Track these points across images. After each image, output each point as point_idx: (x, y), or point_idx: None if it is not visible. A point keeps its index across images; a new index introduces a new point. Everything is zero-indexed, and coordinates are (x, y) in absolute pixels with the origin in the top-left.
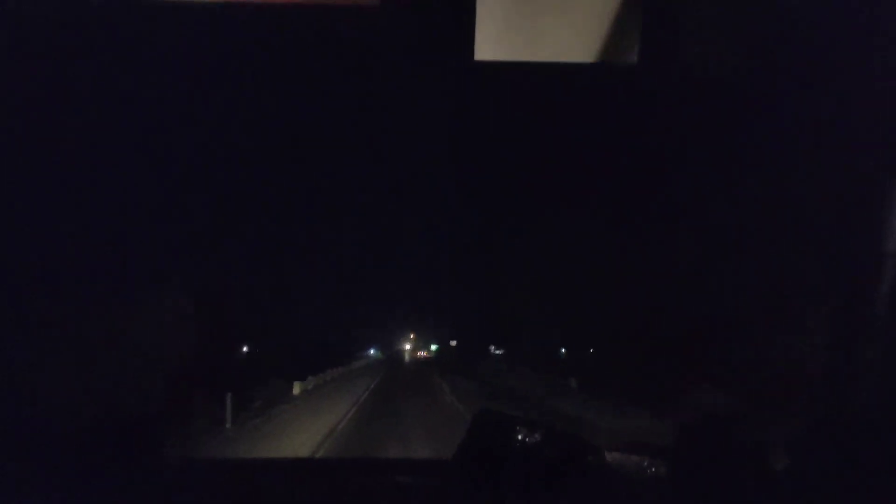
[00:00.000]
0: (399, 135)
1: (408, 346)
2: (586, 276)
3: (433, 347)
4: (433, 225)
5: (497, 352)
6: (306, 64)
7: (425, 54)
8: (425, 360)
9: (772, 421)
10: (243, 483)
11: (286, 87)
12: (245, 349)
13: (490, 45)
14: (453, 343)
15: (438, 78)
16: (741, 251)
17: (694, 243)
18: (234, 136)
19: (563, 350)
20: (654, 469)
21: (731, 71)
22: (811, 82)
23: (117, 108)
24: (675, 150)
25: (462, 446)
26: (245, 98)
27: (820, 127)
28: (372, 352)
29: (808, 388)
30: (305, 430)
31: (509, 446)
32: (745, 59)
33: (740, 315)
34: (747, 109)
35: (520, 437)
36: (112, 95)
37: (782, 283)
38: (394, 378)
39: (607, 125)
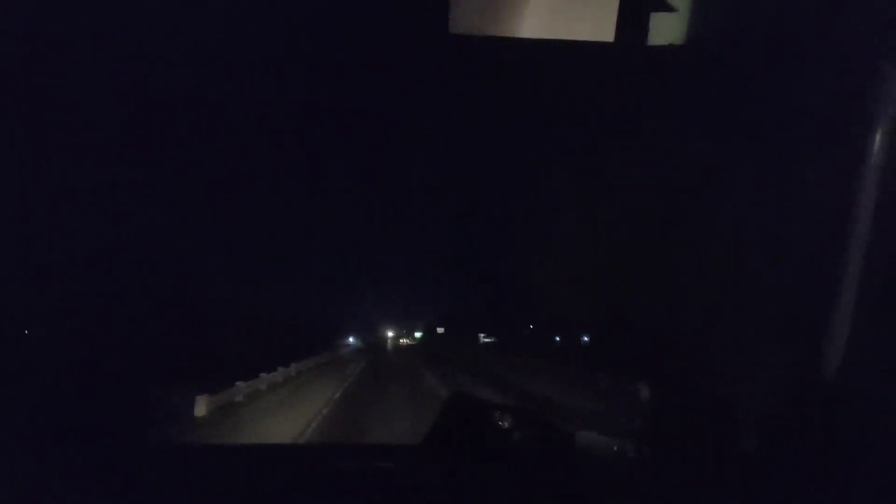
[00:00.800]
0: (374, 112)
1: (390, 334)
2: (582, 262)
3: (417, 335)
4: (419, 207)
5: (487, 339)
6: (281, 42)
7: (400, 27)
8: (409, 349)
9: (741, 400)
10: (221, 468)
11: (261, 68)
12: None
13: (465, 19)
14: (441, 330)
15: (413, 52)
16: (731, 240)
17: (683, 230)
18: (208, 119)
19: (558, 339)
20: (623, 450)
21: (707, 51)
22: (789, 61)
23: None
24: (651, 130)
25: (433, 429)
26: (220, 82)
27: (797, 119)
28: (351, 340)
29: (777, 371)
30: None
31: (480, 429)
32: (721, 38)
33: (727, 306)
34: (723, 90)
35: (490, 419)
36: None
37: (767, 275)
38: (369, 371)
39: (583, 104)
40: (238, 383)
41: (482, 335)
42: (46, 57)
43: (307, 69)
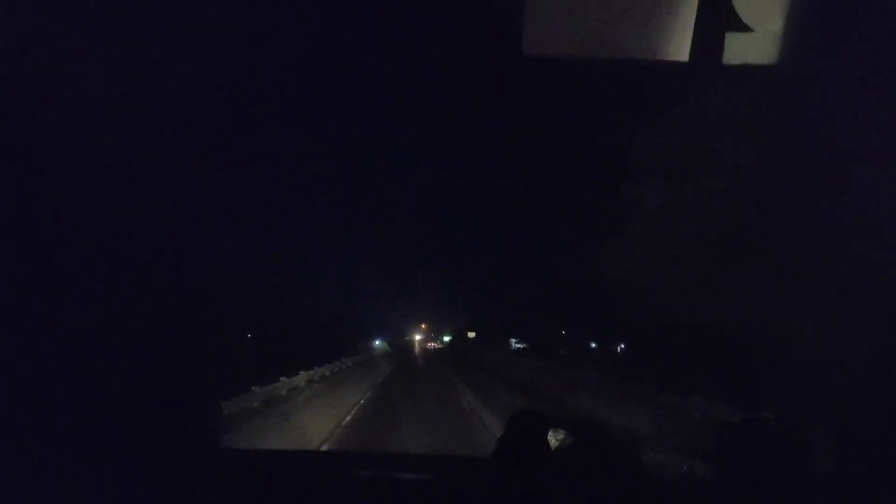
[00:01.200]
0: (442, 126)
1: (418, 337)
2: (619, 269)
3: (446, 339)
4: (454, 211)
5: (518, 345)
6: (328, 59)
7: (474, 49)
8: (437, 353)
9: (815, 424)
10: (251, 473)
11: (307, 77)
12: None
13: (538, 40)
14: (471, 335)
15: (487, 72)
16: (779, 250)
17: (729, 241)
18: (232, 121)
19: (594, 345)
20: (693, 471)
21: (785, 71)
22: (870, 80)
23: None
24: (724, 149)
25: (499, 444)
26: (242, 84)
27: (875, 132)
28: (378, 343)
29: (849, 393)
30: None
31: (546, 446)
32: (799, 58)
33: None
34: (803, 109)
35: (557, 437)
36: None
37: (825, 286)
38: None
39: (657, 123)
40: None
41: (514, 340)
42: (47, 58)
43: (363, 87)
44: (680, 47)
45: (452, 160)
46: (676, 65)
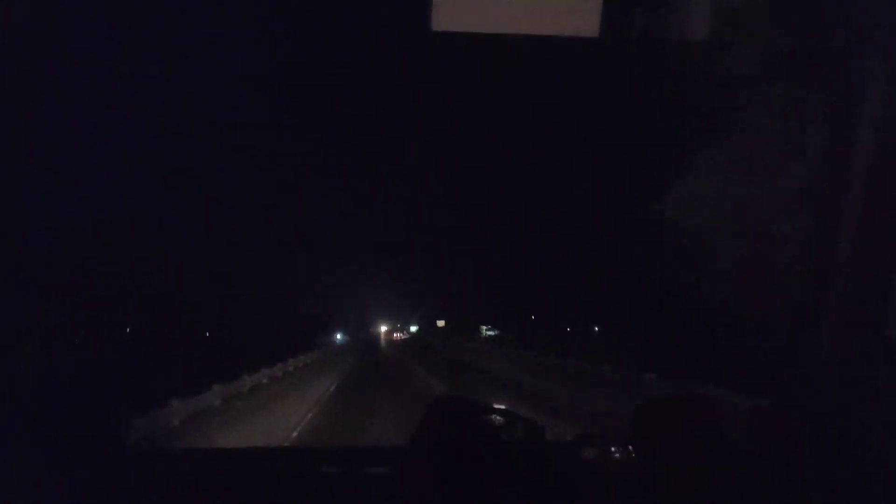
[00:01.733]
0: (358, 105)
1: (384, 329)
2: (590, 252)
3: (413, 329)
4: (417, 194)
5: (490, 332)
6: (267, 43)
7: (383, 24)
8: (404, 344)
9: (731, 400)
10: (205, 471)
11: (251, 65)
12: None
13: (447, 15)
14: (441, 323)
15: (396, 48)
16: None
17: (682, 223)
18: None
19: (568, 329)
20: (615, 454)
21: (692, 46)
22: (776, 57)
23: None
24: (637, 125)
25: (417, 432)
26: (221, 90)
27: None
28: (339, 337)
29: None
30: None
31: (466, 432)
32: (707, 33)
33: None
34: (709, 84)
35: (478, 422)
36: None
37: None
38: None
39: (570, 98)
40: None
41: (485, 328)
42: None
43: (293, 72)
44: (589, 22)
45: (408, 147)
46: (585, 40)
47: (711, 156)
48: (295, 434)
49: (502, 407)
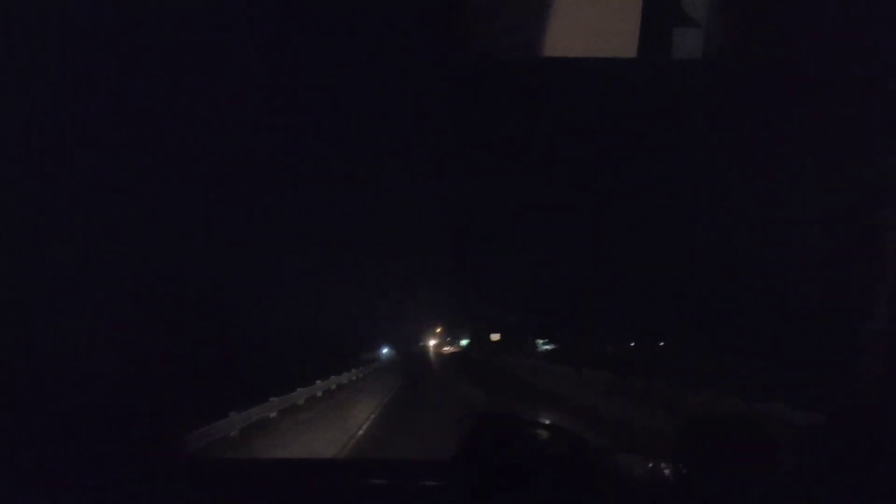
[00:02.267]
0: (397, 131)
1: (433, 342)
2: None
3: (463, 343)
4: (468, 201)
5: (546, 346)
6: (297, 62)
7: (421, 52)
8: (450, 358)
9: (780, 423)
10: (255, 482)
11: (285, 82)
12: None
13: (485, 42)
14: (495, 337)
15: (434, 75)
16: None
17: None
18: (226, 119)
19: (633, 344)
20: (657, 470)
21: (730, 64)
22: (811, 73)
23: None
24: (679, 142)
25: (462, 446)
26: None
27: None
28: (384, 351)
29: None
30: None
31: (511, 447)
32: (744, 51)
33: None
34: (750, 102)
35: (522, 437)
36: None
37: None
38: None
39: (610, 119)
40: None
41: (541, 341)
42: (49, 60)
43: (333, 93)
44: (628, 43)
45: (453, 155)
46: (625, 61)
47: (758, 169)
48: None
49: (547, 422)
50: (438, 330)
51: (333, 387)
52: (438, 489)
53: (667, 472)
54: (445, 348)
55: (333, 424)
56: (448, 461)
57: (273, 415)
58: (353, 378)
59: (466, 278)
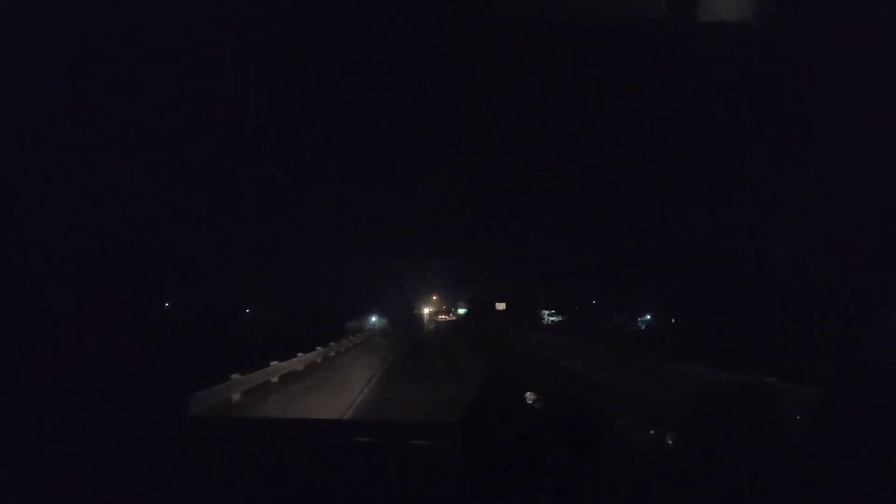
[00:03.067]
0: (415, 91)
1: (427, 310)
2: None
3: (461, 311)
4: (470, 165)
5: (553, 318)
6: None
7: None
8: (448, 328)
9: (784, 392)
10: (256, 441)
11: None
12: None
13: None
14: (501, 306)
15: (455, 34)
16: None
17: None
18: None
19: (648, 317)
20: (659, 437)
21: (759, 22)
22: (839, 38)
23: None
24: (705, 104)
25: (467, 410)
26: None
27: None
28: (374, 320)
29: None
30: None
31: (515, 411)
32: (775, 15)
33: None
34: (777, 67)
35: (527, 402)
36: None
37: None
38: None
39: (640, 79)
40: None
41: (547, 312)
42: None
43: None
44: (656, 3)
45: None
46: (652, 20)
47: (782, 143)
48: None
49: (555, 388)
50: (434, 298)
51: (304, 364)
52: (442, 450)
53: (670, 439)
54: (442, 316)
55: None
56: (447, 424)
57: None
58: (330, 354)
59: (470, 243)
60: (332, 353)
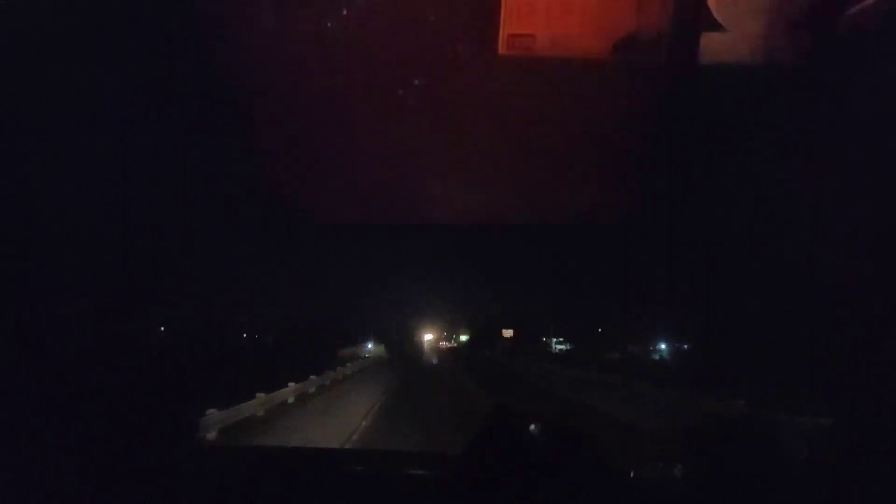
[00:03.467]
0: (423, 121)
1: (428, 337)
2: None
3: (462, 339)
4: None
5: (560, 347)
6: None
7: (451, 46)
8: (451, 357)
9: (787, 423)
10: (253, 470)
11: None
12: None
13: (514, 40)
14: (508, 333)
15: (463, 71)
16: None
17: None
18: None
19: (663, 346)
20: (667, 471)
21: (759, 68)
22: (846, 77)
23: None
24: (705, 147)
25: (473, 440)
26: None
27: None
28: (370, 347)
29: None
30: None
31: (520, 443)
32: (770, 56)
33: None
34: (777, 107)
35: (532, 434)
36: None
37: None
38: None
39: (636, 122)
40: None
41: (554, 340)
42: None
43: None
44: (654, 47)
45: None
46: (651, 63)
47: (784, 176)
48: None
49: (558, 421)
50: (434, 326)
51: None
52: (445, 481)
53: (676, 472)
54: (442, 343)
55: None
56: (450, 455)
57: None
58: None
59: (473, 269)
60: (313, 389)
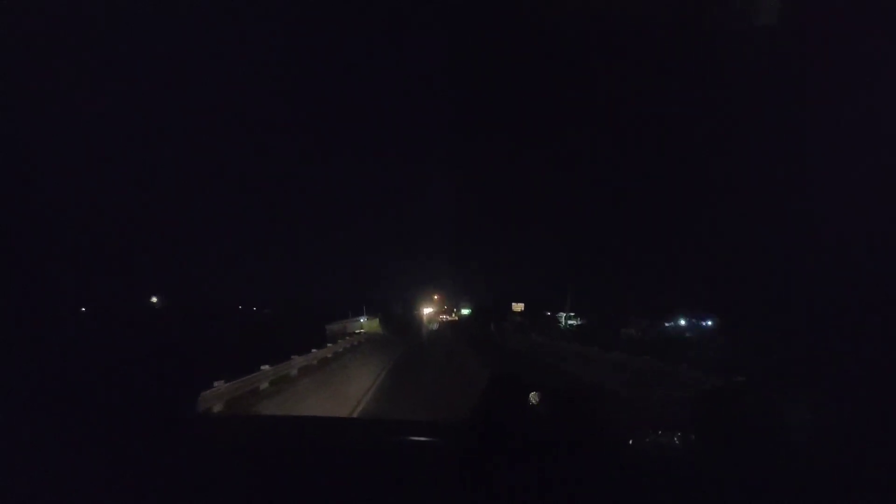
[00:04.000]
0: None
1: (427, 310)
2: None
3: (464, 311)
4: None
5: (571, 322)
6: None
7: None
8: (454, 332)
9: (791, 394)
10: (259, 439)
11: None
12: None
13: None
14: (518, 307)
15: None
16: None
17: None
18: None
19: (683, 322)
20: (667, 439)
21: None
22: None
23: None
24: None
25: (475, 408)
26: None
27: None
28: (362, 321)
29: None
30: None
31: (522, 410)
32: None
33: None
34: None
35: (532, 402)
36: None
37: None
38: None
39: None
40: None
41: (564, 315)
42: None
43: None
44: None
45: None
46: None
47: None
48: None
49: (562, 388)
50: (436, 297)
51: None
52: (448, 448)
53: (676, 440)
54: (443, 317)
55: None
56: (454, 423)
57: None
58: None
59: (475, 236)
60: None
